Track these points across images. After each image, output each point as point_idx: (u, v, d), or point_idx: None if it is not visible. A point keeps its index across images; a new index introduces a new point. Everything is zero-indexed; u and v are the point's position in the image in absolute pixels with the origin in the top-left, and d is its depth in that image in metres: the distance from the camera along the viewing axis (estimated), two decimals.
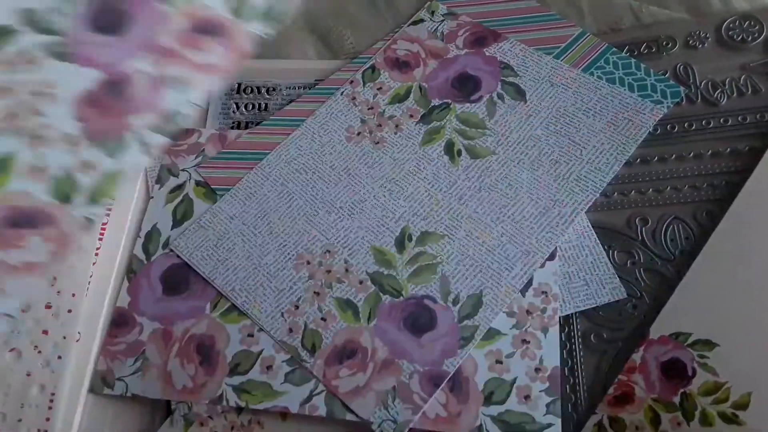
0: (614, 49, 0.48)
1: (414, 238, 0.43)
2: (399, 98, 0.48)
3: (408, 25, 0.51)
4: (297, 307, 0.41)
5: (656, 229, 0.42)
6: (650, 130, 0.44)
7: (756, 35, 0.46)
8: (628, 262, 0.42)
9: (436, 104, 0.48)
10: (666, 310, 0.39)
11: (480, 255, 0.42)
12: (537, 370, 0.39)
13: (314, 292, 0.42)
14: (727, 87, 0.45)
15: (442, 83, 0.48)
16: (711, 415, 0.36)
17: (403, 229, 0.43)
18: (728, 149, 0.43)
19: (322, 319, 0.41)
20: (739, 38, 0.46)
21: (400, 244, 0.43)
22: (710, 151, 0.43)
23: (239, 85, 0.50)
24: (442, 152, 0.46)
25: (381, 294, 0.41)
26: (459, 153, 0.45)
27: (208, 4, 0.40)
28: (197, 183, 0.46)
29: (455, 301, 0.41)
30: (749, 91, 0.44)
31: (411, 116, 0.47)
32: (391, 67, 0.50)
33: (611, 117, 0.45)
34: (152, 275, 0.43)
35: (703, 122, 0.44)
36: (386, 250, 0.43)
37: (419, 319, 0.40)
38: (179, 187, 0.46)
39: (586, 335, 0.40)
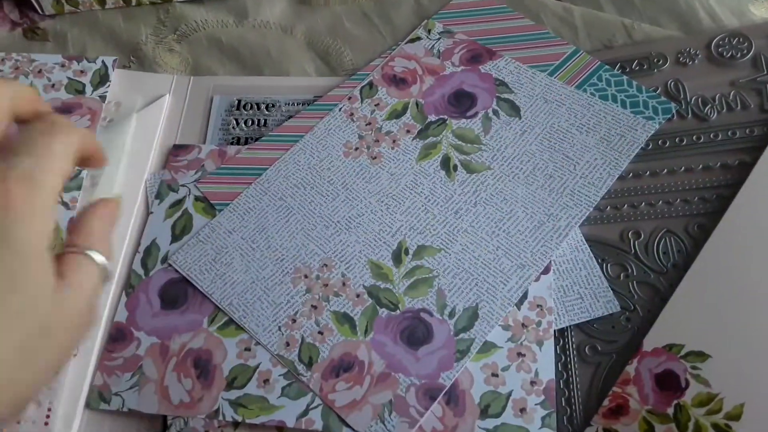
0: (607, 66, 0.48)
1: (410, 252, 0.43)
2: (396, 114, 0.49)
3: (405, 43, 0.52)
4: (294, 321, 0.42)
5: (649, 243, 0.43)
6: (642, 145, 0.45)
7: (745, 52, 0.47)
8: (622, 275, 0.42)
9: (433, 120, 0.48)
10: (659, 322, 0.40)
11: (475, 268, 0.42)
12: (532, 383, 0.39)
13: (311, 306, 0.42)
14: (716, 103, 0.46)
15: (438, 99, 0.49)
16: (704, 426, 0.37)
17: (399, 243, 0.44)
18: (718, 163, 0.44)
19: (319, 332, 0.41)
20: (729, 55, 0.47)
21: (397, 257, 0.43)
22: (701, 166, 0.44)
23: (239, 101, 0.51)
24: (439, 167, 0.46)
25: (378, 307, 0.42)
26: (455, 168, 0.46)
27: (57, 95, 0.51)
28: (196, 198, 0.47)
29: (451, 315, 0.41)
30: (738, 107, 0.45)
31: (408, 131, 0.48)
32: (389, 83, 0.50)
33: (604, 133, 0.46)
34: (150, 290, 0.44)
35: (694, 137, 0.45)
36: (383, 264, 0.43)
37: (415, 333, 0.41)
38: (178, 202, 0.47)
39: (581, 348, 0.40)
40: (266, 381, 0.40)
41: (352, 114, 0.49)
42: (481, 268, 0.42)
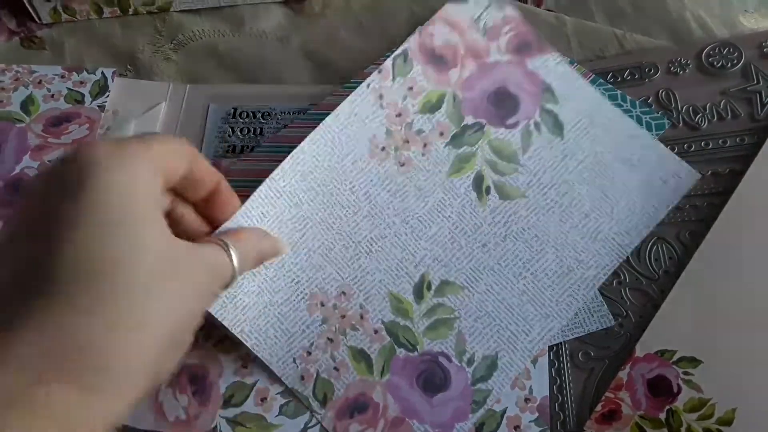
0: (601, 80, 0.48)
1: (433, 287, 0.41)
2: (430, 107, 0.45)
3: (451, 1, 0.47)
4: (309, 354, 0.39)
5: (641, 250, 0.43)
6: (683, 195, 0.43)
7: (735, 62, 0.47)
8: (614, 281, 0.42)
9: (470, 123, 0.45)
10: (651, 328, 0.40)
11: (498, 313, 0.41)
12: (526, 400, 0.39)
13: (327, 338, 0.40)
14: (707, 112, 0.46)
15: (478, 97, 0.45)
16: (696, 431, 0.37)
17: (422, 276, 0.41)
18: (709, 171, 0.44)
19: (335, 368, 0.39)
20: (719, 65, 0.47)
21: (419, 292, 0.41)
22: None
23: (235, 109, 0.51)
24: (470, 187, 0.43)
25: (396, 346, 0.40)
26: (487, 191, 0.43)
27: (56, 105, 0.51)
28: None
29: (470, 362, 0.40)
30: (729, 116, 0.46)
31: (441, 134, 0.44)
32: (426, 59, 0.45)
33: (647, 174, 0.43)
34: None
35: (685, 146, 0.45)
36: (403, 298, 0.41)
37: (433, 378, 0.40)
38: None
39: (574, 353, 0.41)
40: (264, 399, 0.39)
41: (381, 96, 0.44)
42: (505, 313, 0.41)
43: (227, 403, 0.39)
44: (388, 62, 0.44)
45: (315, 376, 0.39)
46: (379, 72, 0.44)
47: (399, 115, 0.44)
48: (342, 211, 0.42)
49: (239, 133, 0.50)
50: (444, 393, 0.39)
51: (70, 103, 0.51)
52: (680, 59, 0.48)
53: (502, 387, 0.39)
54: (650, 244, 0.43)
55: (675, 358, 0.39)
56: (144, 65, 0.55)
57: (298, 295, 0.40)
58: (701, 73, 0.48)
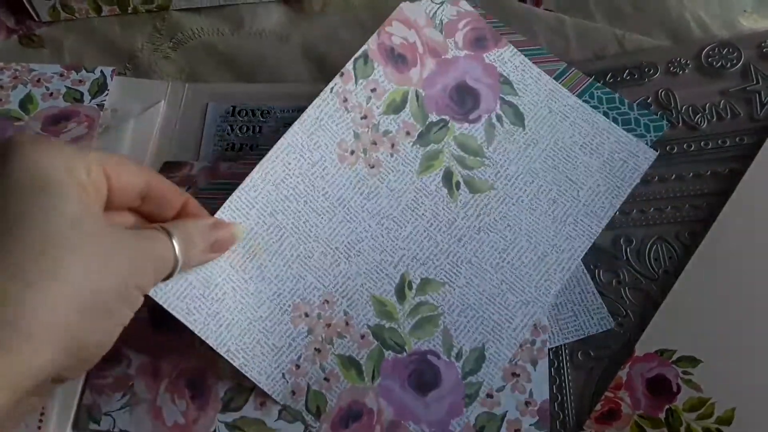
0: (598, 84, 0.48)
1: (414, 286, 0.41)
2: (395, 107, 0.44)
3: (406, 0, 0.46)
4: (298, 367, 0.39)
5: (640, 249, 0.43)
6: (642, 175, 0.44)
7: (734, 62, 0.47)
8: (614, 281, 0.42)
9: (434, 120, 0.45)
10: (650, 327, 0.40)
11: (480, 305, 0.41)
12: (527, 403, 0.39)
13: (315, 349, 0.39)
14: (707, 112, 0.46)
15: (439, 92, 0.45)
16: (696, 431, 0.37)
17: (402, 276, 0.41)
18: (709, 171, 0.44)
19: (325, 379, 0.39)
20: (719, 65, 0.48)
21: (400, 292, 0.41)
22: (692, 173, 0.45)
23: (234, 108, 0.51)
24: (441, 184, 0.43)
25: (384, 349, 0.40)
26: (457, 185, 0.43)
27: (54, 103, 0.51)
28: None
29: (458, 356, 0.40)
30: (728, 116, 0.46)
31: (407, 133, 0.44)
32: (386, 59, 0.44)
33: (607, 156, 0.45)
34: (141, 307, 0.42)
35: (685, 145, 0.45)
36: (386, 300, 0.41)
37: (423, 377, 0.39)
38: None
39: (574, 353, 0.41)
40: (263, 403, 0.39)
41: (345, 100, 0.43)
42: (487, 304, 0.41)
43: (226, 407, 0.39)
44: (349, 65, 0.43)
45: (306, 389, 0.39)
46: (341, 75, 0.43)
47: (364, 117, 0.44)
48: (318, 218, 0.41)
49: (238, 132, 0.50)
50: (436, 390, 0.39)
51: (69, 101, 0.51)
52: (680, 59, 0.48)
53: (492, 378, 0.39)
54: (650, 243, 0.43)
55: (674, 357, 0.39)
56: (143, 64, 0.55)
57: (281, 307, 0.39)
58: (701, 74, 0.48)
